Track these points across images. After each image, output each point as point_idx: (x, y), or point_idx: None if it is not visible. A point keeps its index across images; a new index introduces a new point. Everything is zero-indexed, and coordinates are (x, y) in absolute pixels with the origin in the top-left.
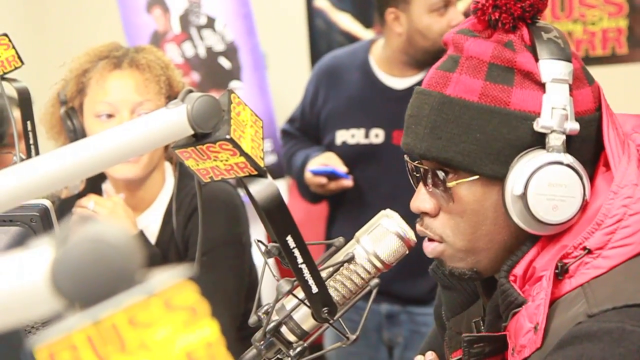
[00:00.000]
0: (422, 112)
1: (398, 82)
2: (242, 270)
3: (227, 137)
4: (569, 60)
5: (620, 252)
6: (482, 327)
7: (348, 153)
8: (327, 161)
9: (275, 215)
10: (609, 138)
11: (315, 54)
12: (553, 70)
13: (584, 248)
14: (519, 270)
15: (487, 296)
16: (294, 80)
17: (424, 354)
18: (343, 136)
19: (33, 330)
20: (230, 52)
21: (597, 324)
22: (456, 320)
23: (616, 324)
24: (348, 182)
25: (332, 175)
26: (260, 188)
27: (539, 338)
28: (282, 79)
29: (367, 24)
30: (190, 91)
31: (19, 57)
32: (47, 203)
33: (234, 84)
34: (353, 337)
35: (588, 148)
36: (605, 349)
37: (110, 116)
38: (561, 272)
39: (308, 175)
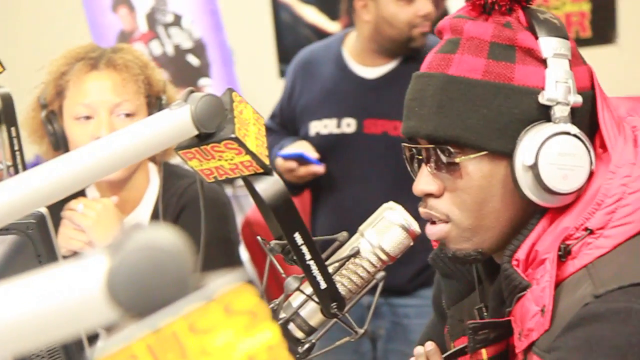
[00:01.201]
0: (425, 94)
1: (369, 72)
2: (231, 268)
3: (233, 136)
4: (567, 38)
5: (622, 231)
6: (485, 314)
7: (321, 143)
8: (298, 148)
9: (283, 212)
10: (604, 119)
11: (282, 48)
12: (553, 46)
13: (586, 229)
14: (521, 254)
15: (490, 282)
16: (262, 74)
17: (423, 345)
18: (316, 127)
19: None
20: (198, 49)
21: (604, 304)
22: (457, 308)
23: (624, 303)
24: (318, 168)
25: (301, 159)
26: (266, 186)
27: (546, 320)
28: (250, 74)
29: (332, 16)
30: (192, 91)
31: (0, 63)
32: (44, 210)
33: (203, 81)
34: (361, 330)
35: (586, 124)
36: (614, 329)
37: (88, 118)
38: (564, 254)
39: (279, 161)
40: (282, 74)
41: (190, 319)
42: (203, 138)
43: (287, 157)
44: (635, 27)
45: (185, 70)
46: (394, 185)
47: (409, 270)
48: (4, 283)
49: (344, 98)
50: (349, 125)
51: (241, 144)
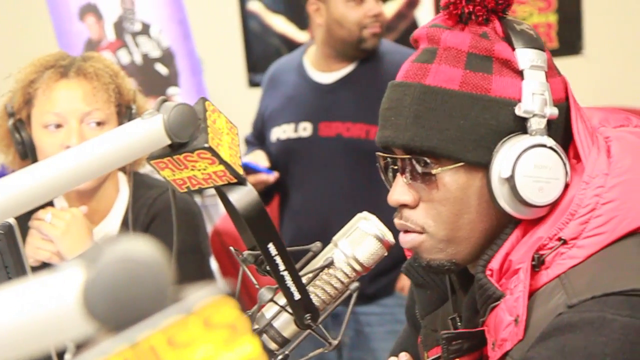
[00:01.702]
0: (402, 104)
1: (326, 77)
2: (202, 279)
3: (206, 145)
4: (543, 49)
5: (595, 241)
6: (459, 324)
7: (281, 148)
8: (252, 158)
9: (257, 222)
10: (578, 129)
11: (251, 57)
12: (530, 57)
13: (559, 239)
14: (495, 264)
15: (464, 292)
16: (231, 84)
17: (397, 355)
18: (276, 133)
19: None
20: (167, 58)
21: (577, 314)
22: (430, 318)
23: (597, 313)
24: (266, 177)
25: (247, 169)
26: (240, 196)
27: (520, 330)
28: (218, 83)
29: (301, 25)
30: (165, 100)
31: None
32: (12, 221)
33: (171, 90)
34: (335, 342)
35: (560, 135)
36: (587, 339)
37: (58, 126)
38: (538, 264)
39: None
40: (251, 83)
41: (169, 333)
42: (176, 148)
43: None
44: (600, 38)
45: (154, 79)
46: (350, 185)
47: (370, 278)
48: None
49: (301, 103)
50: (305, 129)
51: (215, 154)
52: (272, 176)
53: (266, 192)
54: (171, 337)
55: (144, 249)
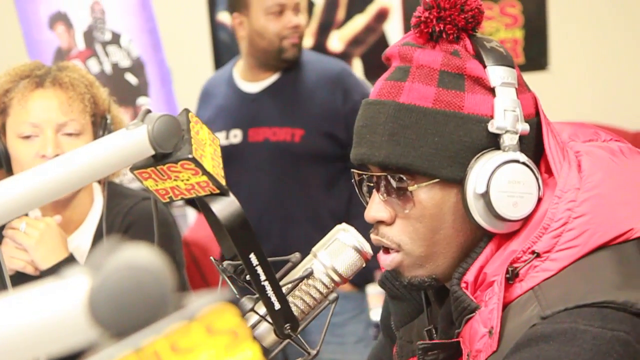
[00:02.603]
0: (376, 121)
1: (252, 86)
2: (177, 289)
3: (190, 156)
4: (513, 66)
5: (567, 254)
6: (434, 335)
7: None
8: None
9: (239, 233)
10: (549, 144)
11: (220, 68)
12: (501, 75)
13: (533, 252)
14: (469, 276)
15: (439, 304)
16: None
17: None
18: None
19: None
20: (137, 67)
21: (550, 325)
22: (406, 330)
23: (569, 324)
24: None
25: None
26: (222, 206)
27: (494, 342)
28: (188, 94)
29: None
30: (149, 111)
31: None
32: None
33: (141, 100)
34: (314, 352)
35: (532, 150)
36: (560, 349)
37: (33, 136)
38: (512, 277)
39: None
40: None
41: (172, 339)
42: (159, 158)
43: None
44: (565, 53)
45: (124, 88)
46: (280, 186)
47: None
48: None
49: (231, 112)
50: (235, 136)
51: (198, 165)
52: None
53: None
54: (174, 342)
55: (147, 256)
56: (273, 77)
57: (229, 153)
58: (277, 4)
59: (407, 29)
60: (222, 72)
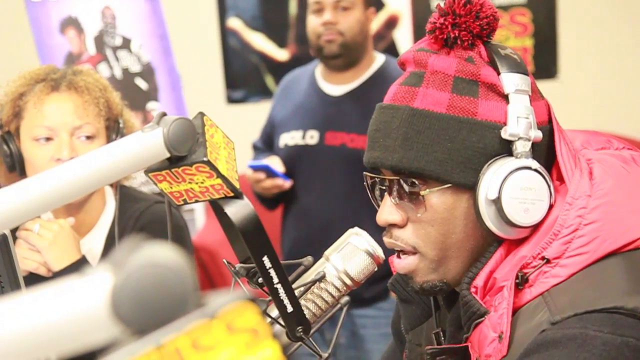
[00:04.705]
0: (390, 126)
1: (334, 89)
2: None
3: (205, 159)
4: (527, 74)
5: (577, 261)
6: (443, 339)
7: (288, 154)
8: (267, 161)
9: (252, 236)
10: (561, 152)
11: (230, 74)
12: (515, 82)
13: (543, 258)
14: (479, 281)
15: (448, 308)
16: (210, 100)
17: None
18: (285, 139)
19: None
20: (147, 72)
21: (560, 330)
22: (415, 333)
23: (579, 329)
24: (282, 182)
25: (268, 172)
26: (237, 209)
27: (504, 346)
28: (197, 99)
29: (280, 43)
30: (164, 114)
31: None
32: (7, 231)
33: (151, 105)
34: (325, 354)
35: (544, 157)
36: (570, 355)
37: (48, 139)
38: (521, 282)
39: (248, 172)
40: (229, 99)
41: (193, 336)
42: (174, 161)
43: (254, 168)
44: (575, 62)
45: (134, 93)
46: (351, 193)
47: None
48: None
49: (310, 112)
50: (312, 137)
51: (213, 167)
52: (288, 183)
53: (274, 197)
54: (195, 340)
55: (170, 254)
56: (356, 82)
57: (303, 153)
58: (315, 2)
59: (416, 36)
60: (305, 69)
